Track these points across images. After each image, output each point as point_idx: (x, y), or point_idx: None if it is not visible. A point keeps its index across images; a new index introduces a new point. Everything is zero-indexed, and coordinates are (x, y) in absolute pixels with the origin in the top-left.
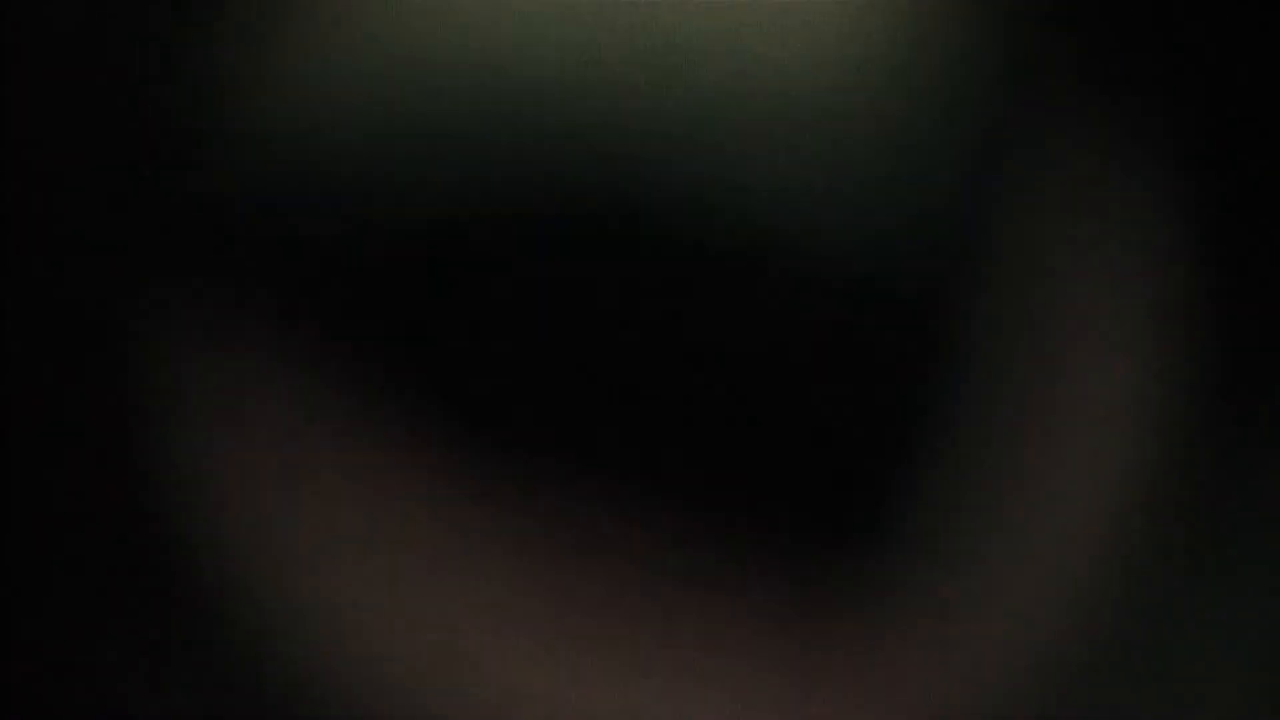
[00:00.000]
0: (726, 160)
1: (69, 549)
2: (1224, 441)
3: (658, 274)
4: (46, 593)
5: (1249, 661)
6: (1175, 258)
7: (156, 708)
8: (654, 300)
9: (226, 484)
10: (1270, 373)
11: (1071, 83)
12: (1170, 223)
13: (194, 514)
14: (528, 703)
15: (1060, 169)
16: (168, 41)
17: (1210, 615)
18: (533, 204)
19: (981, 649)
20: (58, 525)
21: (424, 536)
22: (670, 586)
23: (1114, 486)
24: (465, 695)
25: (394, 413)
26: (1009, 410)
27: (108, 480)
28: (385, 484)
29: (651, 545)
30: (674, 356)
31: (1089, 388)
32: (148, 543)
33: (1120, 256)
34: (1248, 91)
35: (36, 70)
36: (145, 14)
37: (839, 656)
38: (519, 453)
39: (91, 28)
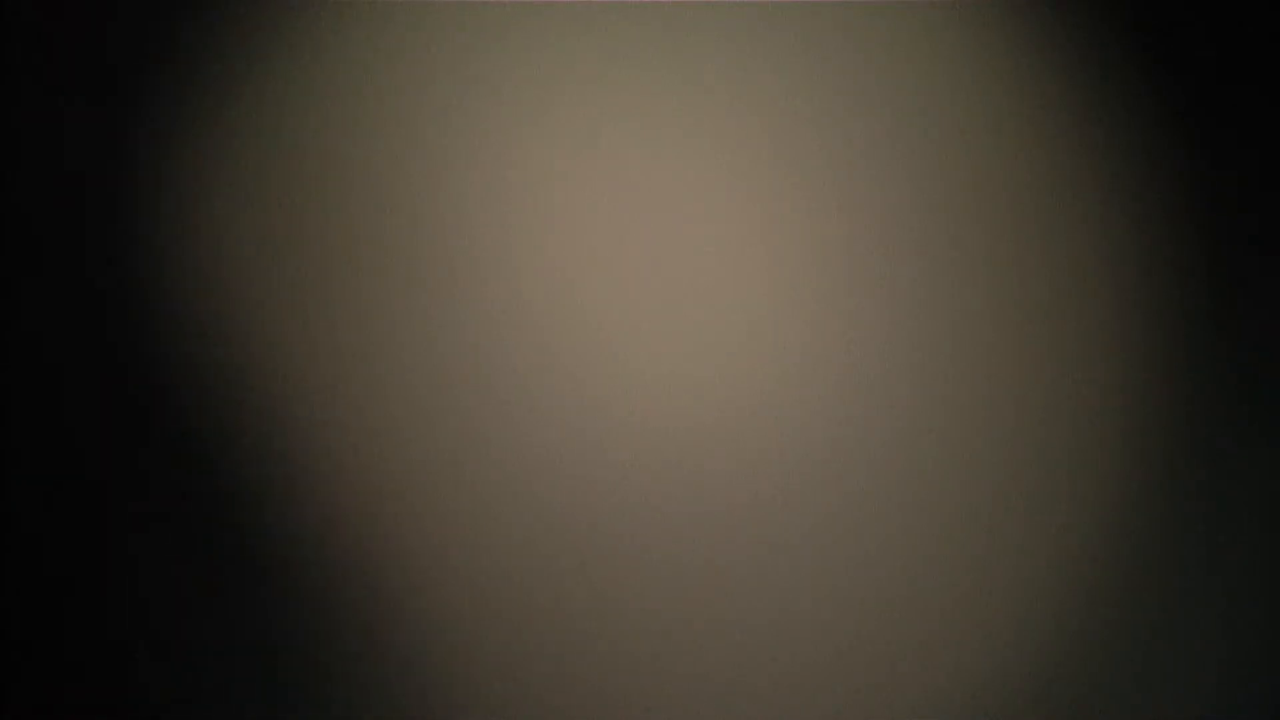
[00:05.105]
0: None
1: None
2: (1224, 441)
3: None
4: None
5: (1248, 661)
6: (1175, 257)
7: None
8: None
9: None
10: (1270, 373)
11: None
12: (1169, 222)
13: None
14: None
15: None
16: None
17: (1210, 615)
18: None
19: (981, 648)
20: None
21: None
22: None
23: (1111, 486)
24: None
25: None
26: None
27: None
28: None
29: None
30: None
31: (1086, 386)
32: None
33: (1119, 257)
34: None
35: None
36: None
37: None
38: None
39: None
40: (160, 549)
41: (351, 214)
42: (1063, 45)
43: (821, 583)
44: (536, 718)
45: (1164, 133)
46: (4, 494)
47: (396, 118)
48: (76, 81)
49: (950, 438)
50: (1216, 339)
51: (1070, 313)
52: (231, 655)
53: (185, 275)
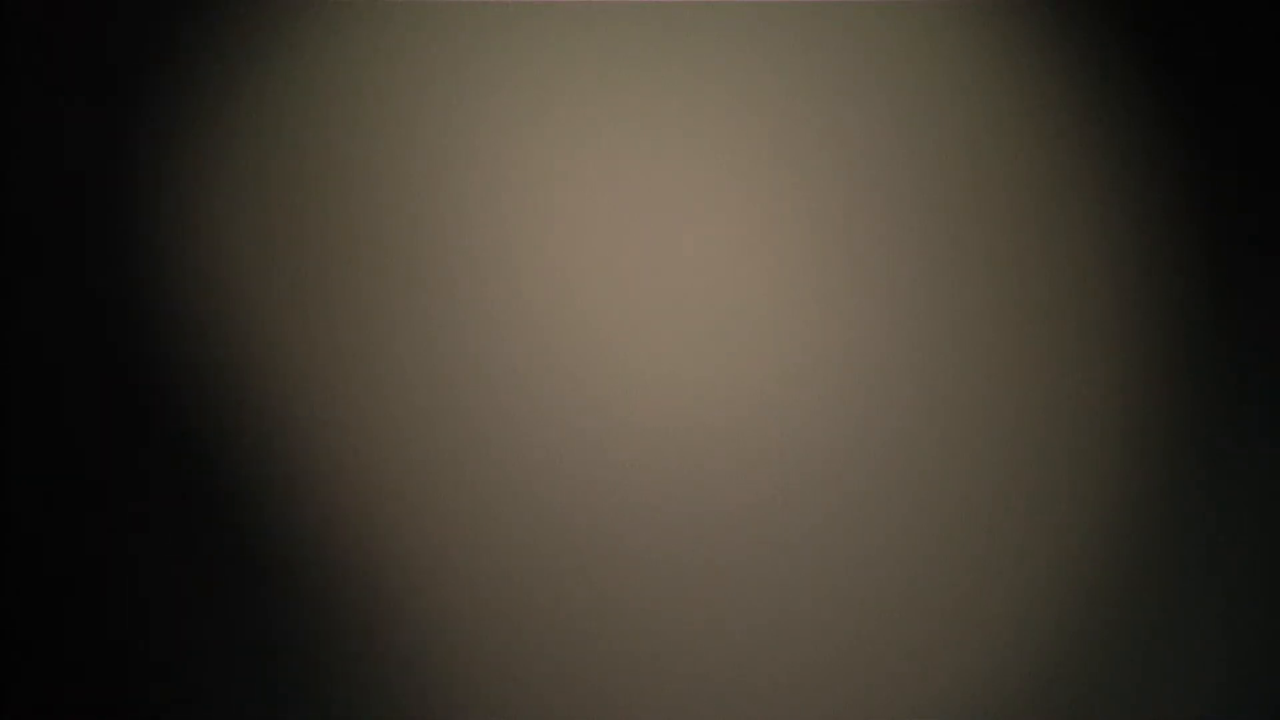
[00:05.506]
0: None
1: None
2: (1224, 441)
3: None
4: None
5: (1248, 661)
6: (1175, 257)
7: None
8: None
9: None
10: (1270, 373)
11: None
12: (1168, 219)
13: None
14: None
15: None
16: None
17: (1210, 615)
18: None
19: (981, 648)
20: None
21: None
22: None
23: (1111, 486)
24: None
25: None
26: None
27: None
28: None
29: None
30: None
31: (1086, 386)
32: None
33: (1119, 256)
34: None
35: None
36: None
37: None
38: None
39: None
40: (160, 549)
41: (351, 214)
42: (1063, 45)
43: (821, 583)
44: (536, 718)
45: (1164, 133)
46: (4, 494)
47: (396, 118)
48: (76, 81)
49: (950, 438)
50: (1216, 339)
51: (1070, 313)
52: (231, 655)
53: (185, 275)
